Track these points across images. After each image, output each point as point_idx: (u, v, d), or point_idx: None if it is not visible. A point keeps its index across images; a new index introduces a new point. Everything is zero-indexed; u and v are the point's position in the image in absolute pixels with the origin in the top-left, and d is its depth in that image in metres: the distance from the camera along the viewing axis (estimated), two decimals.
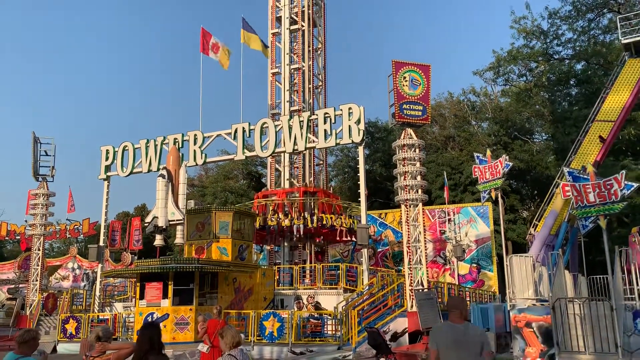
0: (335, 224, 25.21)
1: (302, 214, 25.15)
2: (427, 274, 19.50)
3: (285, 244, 26.99)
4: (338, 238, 26.60)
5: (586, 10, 40.35)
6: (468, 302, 23.77)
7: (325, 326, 18.63)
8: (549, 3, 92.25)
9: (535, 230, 21.22)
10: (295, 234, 25.12)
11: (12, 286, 36.76)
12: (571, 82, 44.11)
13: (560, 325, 13.37)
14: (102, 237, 25.66)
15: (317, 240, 27.89)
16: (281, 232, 26.02)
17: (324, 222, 25.03)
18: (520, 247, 35.17)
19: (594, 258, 29.97)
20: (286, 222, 24.81)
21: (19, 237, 38.54)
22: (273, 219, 25.03)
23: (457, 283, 30.88)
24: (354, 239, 27.57)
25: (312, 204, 26.31)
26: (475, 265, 35.25)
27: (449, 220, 36.08)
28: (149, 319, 18.33)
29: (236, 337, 5.63)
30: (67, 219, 38.50)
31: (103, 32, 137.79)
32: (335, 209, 26.59)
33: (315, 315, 19.00)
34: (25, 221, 27.74)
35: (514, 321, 14.67)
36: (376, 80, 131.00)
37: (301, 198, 26.38)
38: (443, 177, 37.05)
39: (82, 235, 40.55)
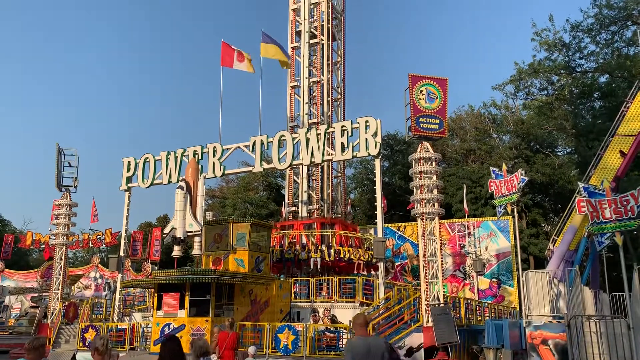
0: (353, 257, 24.97)
1: (320, 247, 25.00)
2: (447, 288, 19.33)
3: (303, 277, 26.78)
4: (356, 271, 26.41)
5: (609, 23, 39.83)
6: (487, 317, 23.54)
7: (341, 340, 18.49)
8: (571, 15, 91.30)
9: (554, 245, 20.89)
10: (312, 267, 25.00)
11: (36, 294, 37.51)
12: (594, 95, 43.54)
13: (577, 344, 13.15)
14: (122, 248, 26.03)
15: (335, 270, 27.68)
16: (298, 264, 25.86)
17: (342, 256, 24.87)
18: (541, 262, 34.65)
19: (618, 275, 29.34)
20: (303, 256, 24.79)
21: (43, 246, 39.39)
22: (290, 252, 24.98)
23: (476, 298, 30.51)
24: (372, 272, 27.37)
25: (330, 237, 26.06)
26: (495, 280, 34.84)
27: (469, 234, 35.79)
28: (166, 330, 18.55)
29: (203, 348, 6.38)
30: (90, 229, 39.16)
31: (124, 45, 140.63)
32: (354, 241, 26.29)
33: (331, 329, 18.93)
34: (50, 230, 28.23)
35: (529, 338, 14.48)
36: (396, 93, 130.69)
37: (319, 231, 26.27)
38: (463, 191, 36.76)
39: (104, 245, 41.30)
